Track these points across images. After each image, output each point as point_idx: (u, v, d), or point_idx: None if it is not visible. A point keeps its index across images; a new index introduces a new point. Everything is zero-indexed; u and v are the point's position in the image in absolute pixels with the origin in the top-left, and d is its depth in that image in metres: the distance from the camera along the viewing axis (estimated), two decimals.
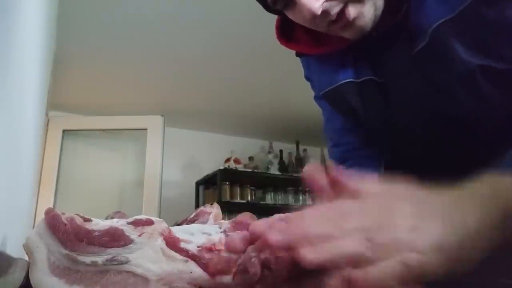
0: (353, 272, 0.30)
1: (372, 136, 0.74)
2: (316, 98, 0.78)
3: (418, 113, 0.62)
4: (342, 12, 0.53)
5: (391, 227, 0.32)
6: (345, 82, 0.65)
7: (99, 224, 0.38)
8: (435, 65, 0.56)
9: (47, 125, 2.76)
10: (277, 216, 0.36)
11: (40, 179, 2.62)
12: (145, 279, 0.35)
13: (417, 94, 0.60)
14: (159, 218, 0.41)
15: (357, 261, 0.31)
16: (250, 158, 3.86)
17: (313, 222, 0.33)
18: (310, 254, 0.30)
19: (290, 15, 0.59)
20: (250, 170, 3.70)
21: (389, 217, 0.33)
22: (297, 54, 0.71)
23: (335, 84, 0.66)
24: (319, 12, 0.52)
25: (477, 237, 0.33)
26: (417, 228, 0.32)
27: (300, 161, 4.00)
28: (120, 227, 0.38)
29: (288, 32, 0.68)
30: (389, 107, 0.63)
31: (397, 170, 0.74)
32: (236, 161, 3.73)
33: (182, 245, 0.39)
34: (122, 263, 0.35)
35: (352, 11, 0.53)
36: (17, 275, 0.40)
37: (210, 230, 0.43)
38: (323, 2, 0.52)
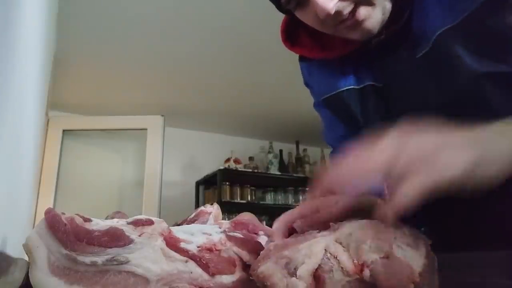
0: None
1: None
2: (316, 105, 0.79)
3: (421, 114, 0.63)
4: (352, 13, 0.55)
5: (413, 149, 0.37)
6: (346, 89, 0.66)
7: (99, 224, 0.38)
8: (438, 70, 0.57)
9: (47, 125, 2.76)
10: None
11: (40, 179, 2.62)
12: (145, 279, 0.35)
13: (421, 96, 0.61)
14: (159, 218, 0.41)
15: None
16: (250, 158, 3.86)
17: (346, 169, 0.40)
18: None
19: (300, 15, 0.60)
20: (250, 170, 3.70)
21: (407, 144, 0.38)
22: (300, 58, 0.72)
23: (336, 90, 0.67)
24: (333, 12, 0.53)
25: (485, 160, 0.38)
26: (438, 148, 0.37)
27: (300, 161, 4.00)
28: (120, 227, 0.38)
29: (293, 35, 0.69)
30: (389, 111, 0.65)
31: None
32: (236, 161, 3.73)
33: (182, 245, 0.39)
34: (122, 263, 0.34)
35: (362, 12, 0.55)
36: (17, 275, 0.40)
37: (210, 230, 0.43)
38: (337, 2, 0.53)
